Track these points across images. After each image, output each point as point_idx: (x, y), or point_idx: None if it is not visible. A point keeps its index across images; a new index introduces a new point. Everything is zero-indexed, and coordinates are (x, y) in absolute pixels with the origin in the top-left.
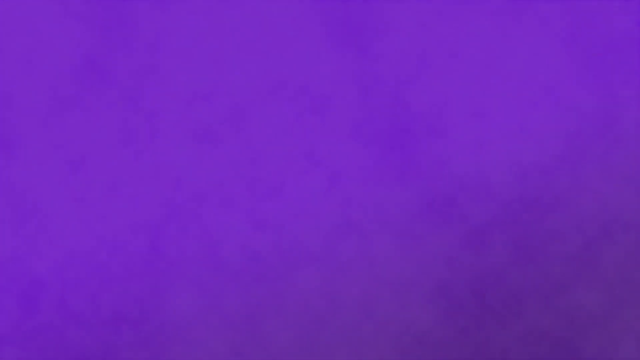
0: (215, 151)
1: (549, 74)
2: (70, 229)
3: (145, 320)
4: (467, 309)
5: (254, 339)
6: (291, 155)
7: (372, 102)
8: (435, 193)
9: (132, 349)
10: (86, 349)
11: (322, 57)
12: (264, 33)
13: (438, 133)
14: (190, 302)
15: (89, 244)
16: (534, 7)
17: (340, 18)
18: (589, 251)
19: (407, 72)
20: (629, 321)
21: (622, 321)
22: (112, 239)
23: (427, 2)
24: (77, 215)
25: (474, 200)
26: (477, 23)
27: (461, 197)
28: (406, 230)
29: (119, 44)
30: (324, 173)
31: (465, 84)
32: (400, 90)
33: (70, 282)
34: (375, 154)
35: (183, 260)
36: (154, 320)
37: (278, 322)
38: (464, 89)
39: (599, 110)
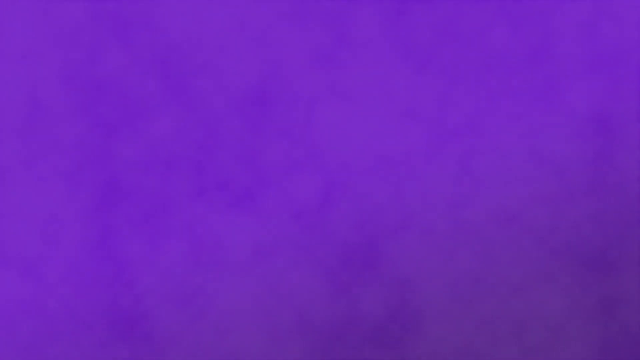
0: (213, 153)
1: (550, 73)
2: (69, 226)
3: (143, 320)
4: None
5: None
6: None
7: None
8: (434, 190)
9: (133, 350)
10: (85, 351)
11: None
12: (255, 33)
13: (436, 132)
14: (187, 302)
15: (85, 246)
16: (536, 8)
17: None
18: (587, 251)
19: (403, 71)
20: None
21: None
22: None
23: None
24: (70, 219)
25: (471, 199)
26: (477, 22)
27: (457, 196)
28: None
29: (112, 45)
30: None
31: (466, 82)
32: (396, 90)
33: (71, 285)
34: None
35: (182, 262)
36: (154, 320)
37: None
38: (463, 88)
39: (599, 111)
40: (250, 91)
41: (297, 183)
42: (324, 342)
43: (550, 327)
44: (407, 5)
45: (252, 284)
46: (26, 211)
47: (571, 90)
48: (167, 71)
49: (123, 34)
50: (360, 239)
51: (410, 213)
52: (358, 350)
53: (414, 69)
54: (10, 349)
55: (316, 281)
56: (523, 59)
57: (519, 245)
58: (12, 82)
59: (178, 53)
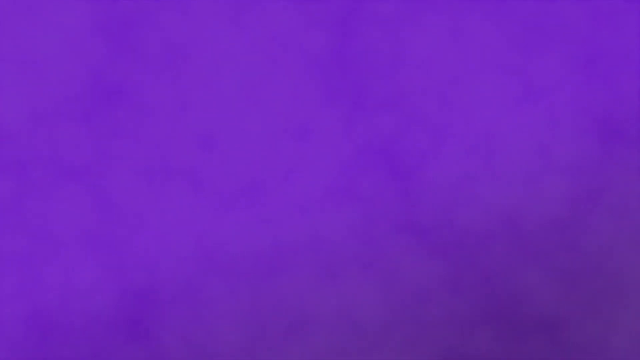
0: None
1: (551, 73)
2: (70, 227)
3: (142, 318)
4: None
5: (253, 339)
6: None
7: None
8: (427, 194)
9: (131, 349)
10: (86, 349)
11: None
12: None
13: (435, 134)
14: (187, 302)
15: (90, 243)
16: (538, 8)
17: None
18: (581, 245)
19: (405, 72)
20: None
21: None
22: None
23: None
24: (79, 215)
25: (468, 201)
26: (477, 25)
27: (458, 196)
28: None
29: (127, 53)
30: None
31: (465, 80)
32: (398, 96)
33: (73, 281)
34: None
35: (182, 261)
36: (151, 318)
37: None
38: (463, 86)
39: (600, 111)
40: (250, 92)
41: (298, 184)
42: (323, 342)
43: (553, 328)
44: (407, 5)
45: (253, 286)
46: (27, 212)
47: (570, 90)
48: (167, 72)
49: (125, 36)
50: (359, 239)
51: (412, 213)
52: (358, 352)
53: (412, 68)
54: (11, 350)
55: (316, 281)
56: (521, 58)
57: (522, 244)
58: (16, 84)
59: (175, 53)
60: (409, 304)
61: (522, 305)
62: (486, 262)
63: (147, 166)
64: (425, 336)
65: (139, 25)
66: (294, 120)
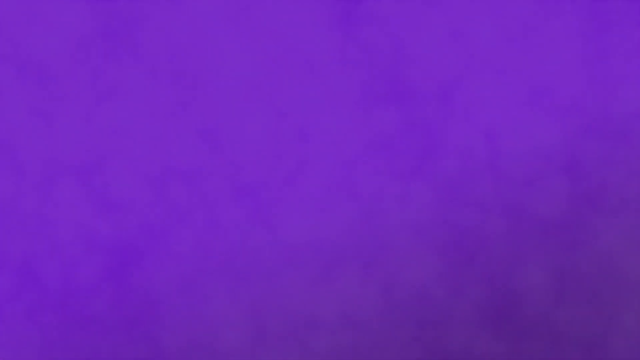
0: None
1: (553, 71)
2: (70, 227)
3: (142, 318)
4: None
5: (255, 336)
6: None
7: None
8: (437, 176)
9: (132, 349)
10: (86, 350)
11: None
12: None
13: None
14: (188, 301)
15: (90, 243)
16: (540, 5)
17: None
18: (581, 245)
19: (405, 72)
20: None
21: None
22: (111, 239)
23: None
24: (80, 216)
25: (468, 201)
26: (471, 23)
27: (458, 194)
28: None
29: (121, 37)
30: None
31: (467, 78)
32: (400, 101)
33: (73, 281)
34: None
35: (183, 259)
36: (152, 318)
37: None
38: (463, 86)
39: (601, 108)
40: (250, 91)
41: (298, 184)
42: (323, 343)
43: (552, 330)
44: (408, 5)
45: (253, 286)
46: (27, 212)
47: (570, 90)
48: (167, 72)
49: (125, 36)
50: (359, 239)
51: (412, 213)
52: (358, 352)
53: (412, 69)
54: (11, 350)
55: (316, 281)
56: (521, 58)
57: (522, 244)
58: (17, 84)
59: (175, 53)
60: (409, 304)
61: (522, 305)
62: (486, 262)
63: (147, 166)
64: (425, 336)
65: (139, 25)
66: (293, 121)
